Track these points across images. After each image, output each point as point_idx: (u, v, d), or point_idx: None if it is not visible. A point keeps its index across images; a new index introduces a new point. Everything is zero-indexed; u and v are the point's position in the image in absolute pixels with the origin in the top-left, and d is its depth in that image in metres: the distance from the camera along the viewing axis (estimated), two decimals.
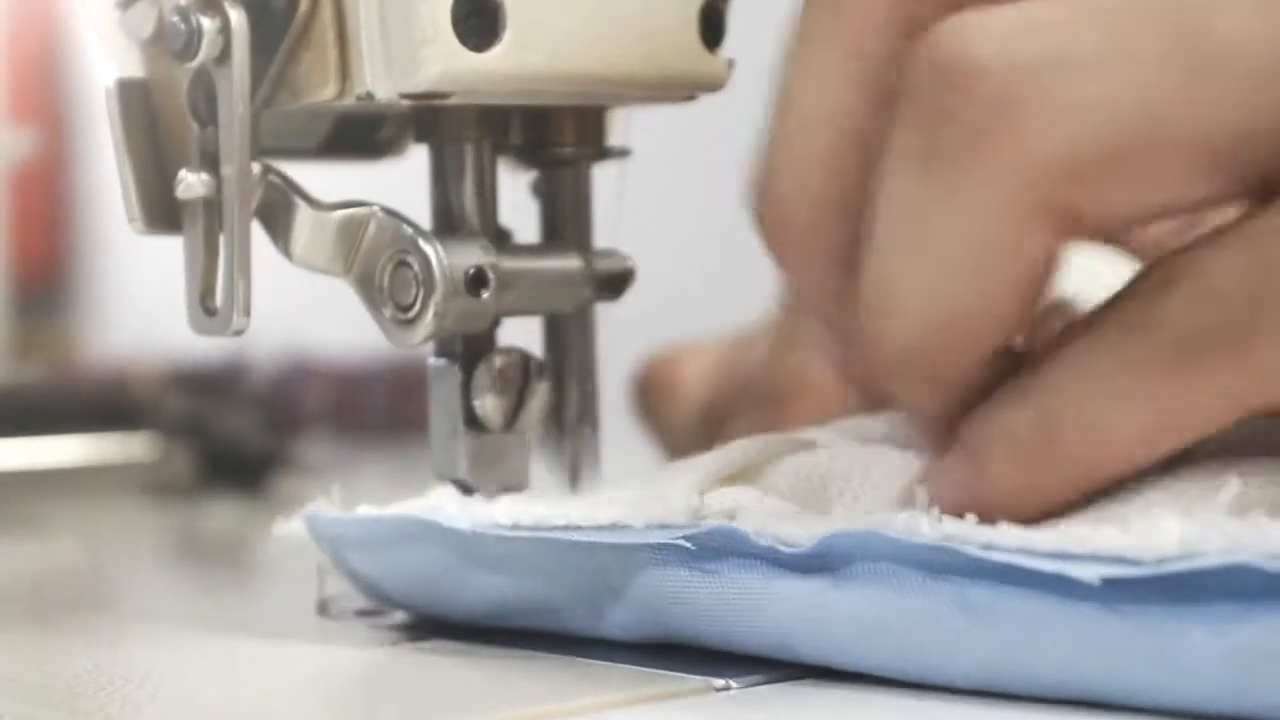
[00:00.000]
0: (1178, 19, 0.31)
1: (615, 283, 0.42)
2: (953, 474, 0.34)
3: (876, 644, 0.33)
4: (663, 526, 0.36)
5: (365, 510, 0.39)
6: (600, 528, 0.36)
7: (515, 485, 0.40)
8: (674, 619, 0.36)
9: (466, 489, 0.40)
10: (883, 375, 0.34)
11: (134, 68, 0.41)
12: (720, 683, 0.34)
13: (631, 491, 0.37)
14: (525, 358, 0.41)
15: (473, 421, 0.40)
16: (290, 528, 0.40)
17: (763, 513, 0.35)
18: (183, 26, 0.39)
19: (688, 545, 0.35)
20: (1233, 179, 0.32)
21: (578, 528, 0.36)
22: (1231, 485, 0.31)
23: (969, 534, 0.32)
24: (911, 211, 0.32)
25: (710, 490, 0.37)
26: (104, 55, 0.43)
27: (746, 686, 0.34)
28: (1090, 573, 0.30)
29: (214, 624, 0.42)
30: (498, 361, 0.40)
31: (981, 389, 0.33)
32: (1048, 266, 0.33)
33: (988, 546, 0.32)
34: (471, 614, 0.39)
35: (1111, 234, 0.37)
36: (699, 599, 0.35)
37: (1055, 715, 0.31)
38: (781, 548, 0.34)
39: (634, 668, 0.35)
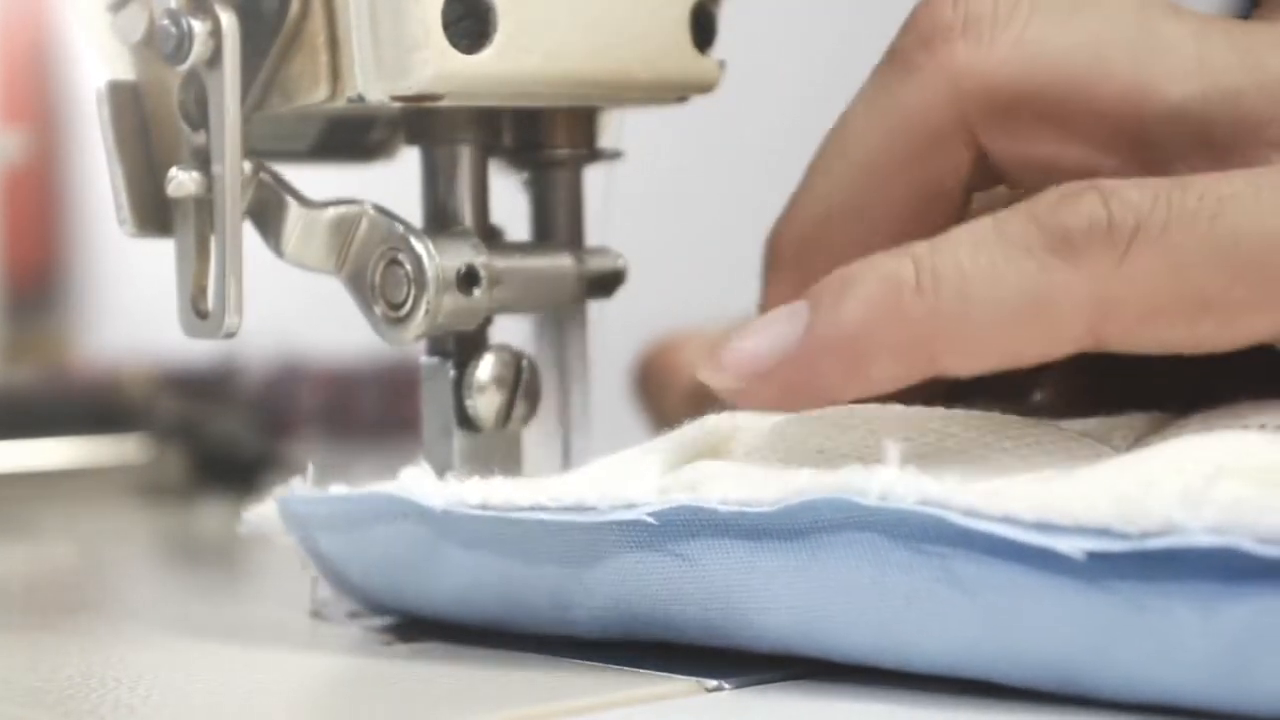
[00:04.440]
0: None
1: (606, 281, 0.42)
2: (791, 316, 0.35)
3: (861, 619, 0.32)
4: (628, 505, 0.35)
5: (338, 489, 0.39)
6: (565, 508, 0.35)
7: None
8: (644, 605, 0.35)
9: None
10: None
11: (125, 70, 0.41)
12: (712, 683, 0.34)
13: (599, 470, 0.37)
14: (517, 356, 0.41)
15: (465, 420, 0.41)
16: (261, 511, 0.40)
17: (727, 477, 0.34)
18: (173, 29, 0.39)
19: (651, 520, 0.34)
20: (1136, 155, 0.36)
21: (544, 508, 0.35)
22: (1237, 448, 0.31)
23: (947, 496, 0.31)
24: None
25: (678, 466, 0.36)
26: (96, 58, 0.43)
27: (738, 687, 0.34)
28: (1074, 546, 0.30)
29: (207, 626, 0.42)
30: (490, 360, 0.40)
31: None
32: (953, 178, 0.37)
33: (970, 513, 0.31)
34: (434, 604, 0.38)
35: (1013, 177, 0.39)
36: (672, 584, 0.34)
37: (1046, 716, 0.31)
38: (748, 509, 0.33)
39: (625, 669, 0.35)
